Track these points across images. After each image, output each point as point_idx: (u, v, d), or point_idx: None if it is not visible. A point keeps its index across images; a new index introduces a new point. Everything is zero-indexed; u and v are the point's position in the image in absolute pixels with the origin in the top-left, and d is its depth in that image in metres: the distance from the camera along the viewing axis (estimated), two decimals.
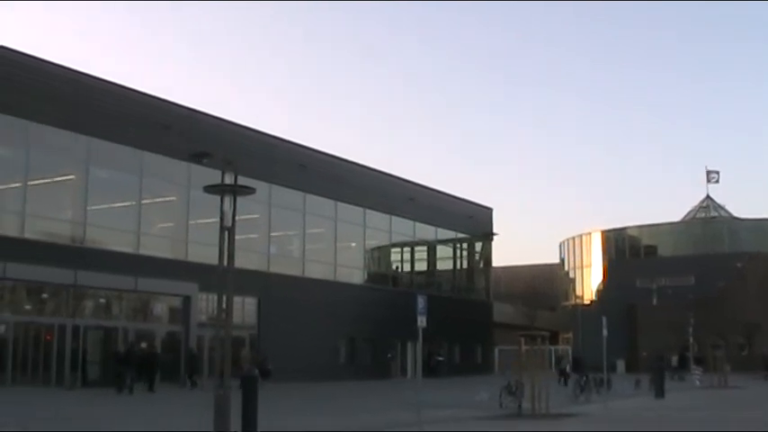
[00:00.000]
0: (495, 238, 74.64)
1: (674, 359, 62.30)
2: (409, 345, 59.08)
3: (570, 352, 76.50)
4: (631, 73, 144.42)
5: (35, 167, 38.47)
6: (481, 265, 76.02)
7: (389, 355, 59.06)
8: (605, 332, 40.40)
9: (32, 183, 38.27)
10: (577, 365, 43.86)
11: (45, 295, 39.48)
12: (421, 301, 22.37)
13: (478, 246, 74.64)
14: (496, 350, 72.39)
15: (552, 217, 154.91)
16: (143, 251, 42.27)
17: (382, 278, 62.25)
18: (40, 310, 39.06)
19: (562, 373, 40.61)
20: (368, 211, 58.17)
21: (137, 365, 37.53)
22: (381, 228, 60.49)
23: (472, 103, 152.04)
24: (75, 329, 38.59)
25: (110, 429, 21.27)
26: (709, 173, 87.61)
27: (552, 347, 58.36)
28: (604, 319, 38.56)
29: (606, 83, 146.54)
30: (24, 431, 20.54)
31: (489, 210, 74.15)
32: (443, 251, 70.03)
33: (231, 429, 15.99)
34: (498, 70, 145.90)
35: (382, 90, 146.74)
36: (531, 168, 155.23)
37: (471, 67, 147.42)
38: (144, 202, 43.11)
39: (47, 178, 39.69)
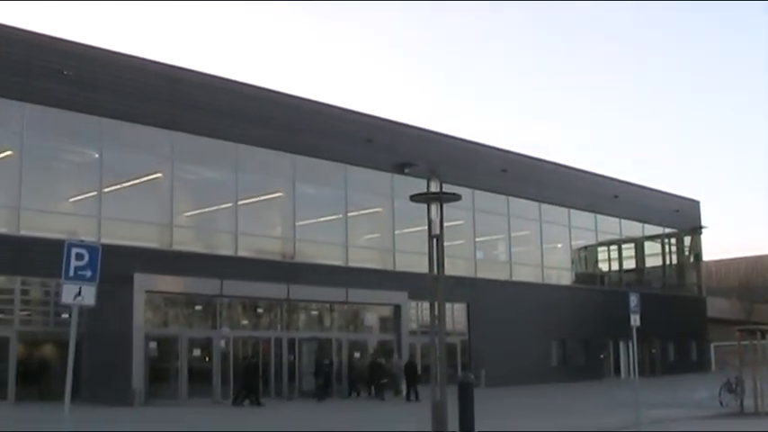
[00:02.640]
0: (704, 231, 72.87)
1: None
2: (621, 344, 58.31)
3: None
4: None
5: (244, 187, 39.74)
6: (691, 260, 74.17)
7: (602, 356, 58.31)
8: None
9: (243, 202, 39.53)
10: None
11: (260, 310, 40.66)
12: (633, 300, 22.11)
13: (687, 240, 72.89)
14: (712, 347, 70.54)
15: (763, 207, 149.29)
16: (352, 263, 43.09)
17: (590, 278, 61.44)
18: (255, 325, 40.25)
19: None
20: (572, 210, 57.61)
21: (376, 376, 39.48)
22: (587, 227, 59.79)
23: (671, 94, 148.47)
24: (291, 342, 39.68)
25: None
26: None
27: None
28: None
29: None
30: None
31: (696, 203, 72.28)
32: (651, 247, 68.51)
33: None
34: (695, 55, 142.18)
35: (581, 88, 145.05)
36: (737, 158, 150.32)
37: (666, 54, 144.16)
38: (350, 214, 43.87)
39: (256, 197, 40.89)
